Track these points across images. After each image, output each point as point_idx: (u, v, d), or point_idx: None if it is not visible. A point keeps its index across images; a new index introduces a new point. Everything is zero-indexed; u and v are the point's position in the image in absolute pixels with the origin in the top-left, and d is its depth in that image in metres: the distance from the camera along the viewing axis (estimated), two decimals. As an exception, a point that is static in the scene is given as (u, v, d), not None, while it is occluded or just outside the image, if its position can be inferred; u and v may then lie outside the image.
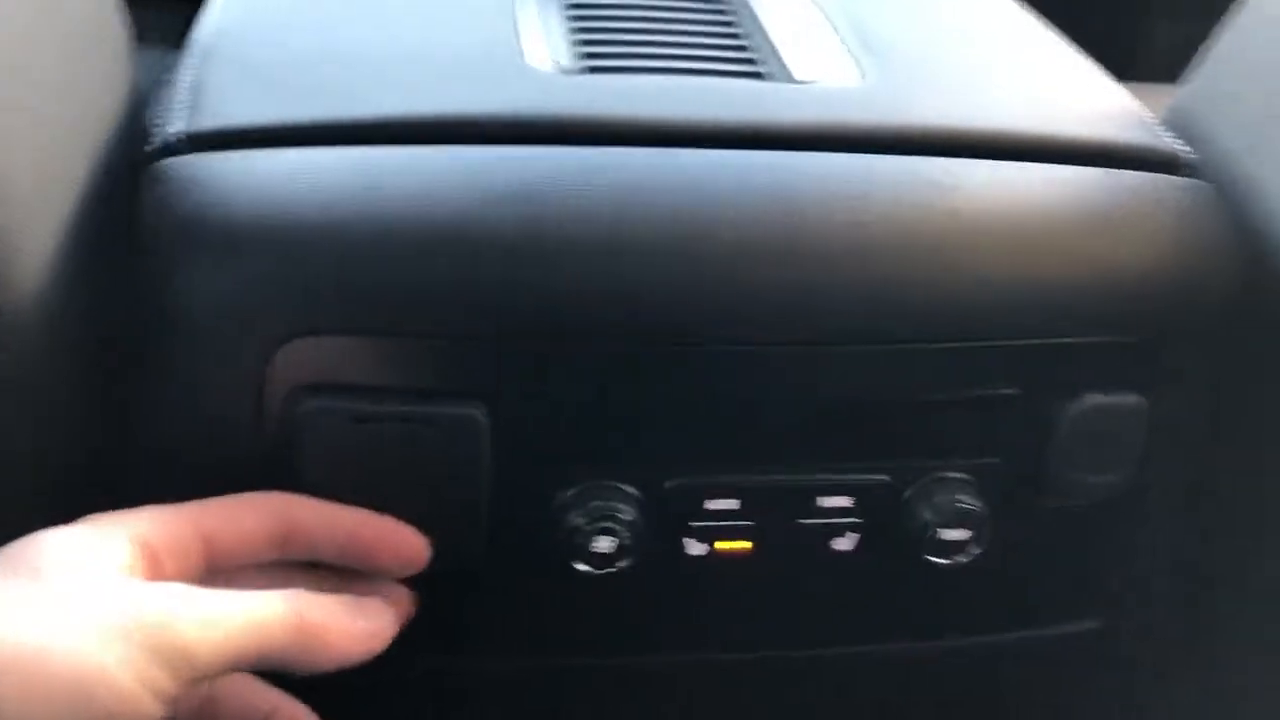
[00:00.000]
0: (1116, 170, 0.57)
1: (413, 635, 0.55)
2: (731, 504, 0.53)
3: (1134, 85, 0.66)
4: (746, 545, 0.54)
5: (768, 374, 0.51)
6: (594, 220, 0.49)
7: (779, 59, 0.62)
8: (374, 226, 0.49)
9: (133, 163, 0.52)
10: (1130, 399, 0.55)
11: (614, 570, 0.52)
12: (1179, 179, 0.58)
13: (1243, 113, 0.60)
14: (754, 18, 0.66)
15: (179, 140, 0.51)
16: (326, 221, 0.49)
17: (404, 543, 0.48)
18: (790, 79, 0.60)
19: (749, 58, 0.62)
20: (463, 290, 0.48)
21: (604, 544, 0.51)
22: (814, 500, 0.54)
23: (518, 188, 0.50)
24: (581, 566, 0.52)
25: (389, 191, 0.49)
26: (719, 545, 0.54)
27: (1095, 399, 0.54)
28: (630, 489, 0.52)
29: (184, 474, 0.50)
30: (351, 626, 0.44)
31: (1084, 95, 0.64)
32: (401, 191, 0.49)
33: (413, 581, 0.53)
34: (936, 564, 0.54)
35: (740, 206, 0.51)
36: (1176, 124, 0.63)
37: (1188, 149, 0.59)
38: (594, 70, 0.59)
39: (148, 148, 0.52)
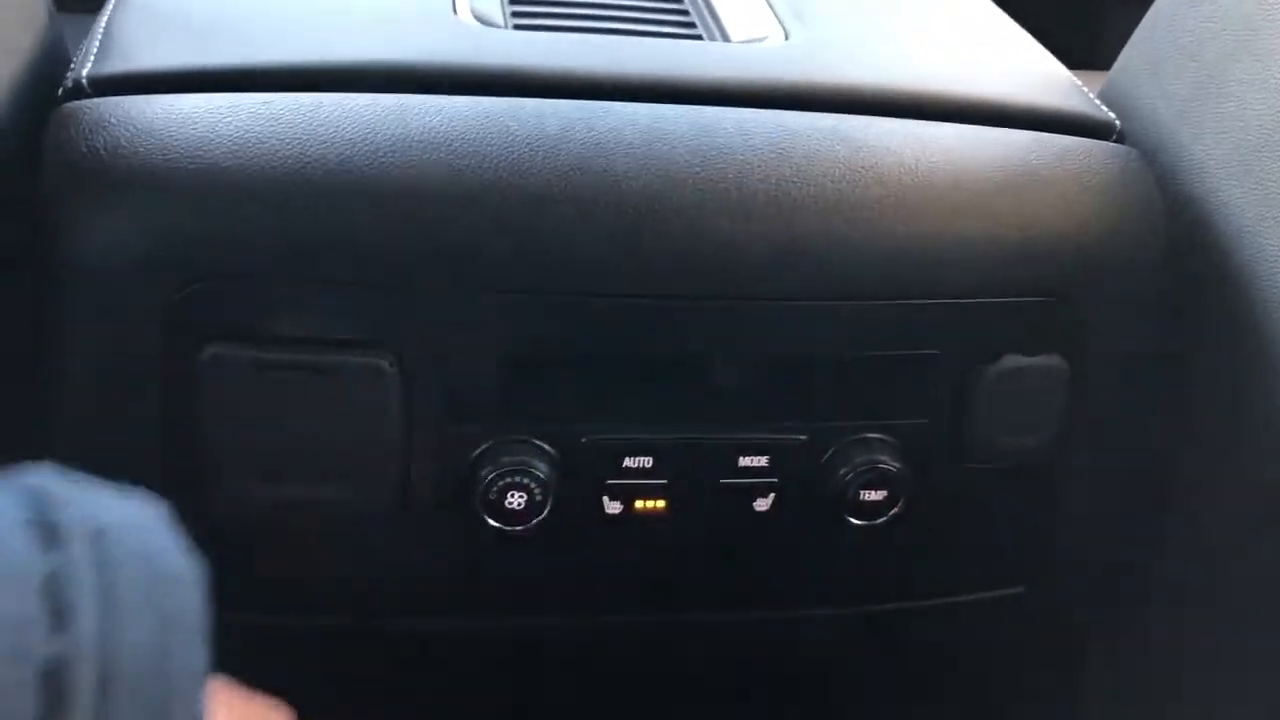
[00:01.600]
0: (1041, 133, 0.57)
1: (327, 596, 0.54)
2: (648, 462, 0.52)
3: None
4: (663, 504, 0.53)
5: (684, 330, 0.51)
6: (507, 169, 0.49)
7: (712, 19, 0.62)
8: (278, 171, 0.47)
9: (43, 109, 0.51)
10: (1051, 360, 0.54)
11: (529, 527, 0.51)
12: (1104, 143, 0.58)
13: (1172, 83, 0.60)
14: None
15: (84, 84, 0.50)
16: (230, 166, 0.47)
17: None
18: (721, 38, 0.60)
19: (681, 19, 0.62)
20: (370, 237, 0.47)
21: (517, 500, 0.51)
22: (733, 460, 0.53)
23: (430, 135, 0.49)
24: (495, 523, 0.51)
25: (294, 136, 0.48)
26: (636, 504, 0.53)
27: (1016, 360, 0.54)
28: (545, 445, 0.51)
29: (87, 422, 0.49)
30: None
31: (1013, 61, 0.64)
32: (308, 136, 0.48)
33: (327, 541, 0.52)
34: (857, 526, 0.54)
35: (656, 159, 0.50)
36: (1111, 95, 0.63)
37: (1114, 116, 0.59)
38: (522, 27, 0.59)
39: (58, 93, 0.51)
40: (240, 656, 0.55)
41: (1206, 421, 0.57)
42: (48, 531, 0.30)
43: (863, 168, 0.52)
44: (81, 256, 0.47)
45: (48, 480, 0.32)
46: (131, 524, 0.32)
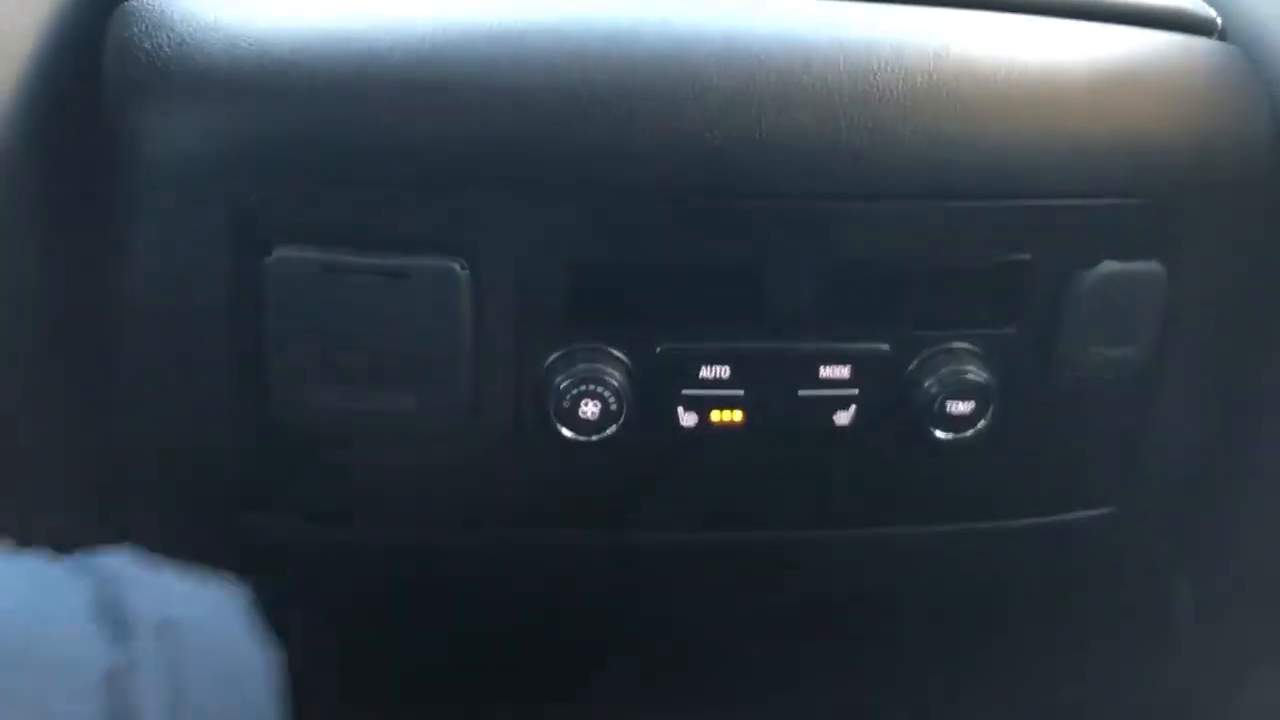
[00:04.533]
0: (1139, 29, 0.53)
1: (394, 509, 0.54)
2: (725, 372, 0.51)
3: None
4: (740, 417, 0.51)
5: (765, 232, 0.49)
6: (582, 65, 0.47)
7: None
8: (349, 72, 0.46)
9: (102, 6, 0.49)
10: (1149, 266, 0.52)
11: (602, 438, 0.50)
12: (1205, 40, 0.54)
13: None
14: None
15: None
16: (300, 66, 0.46)
17: None
18: None
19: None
20: (440, 135, 0.46)
21: (591, 409, 0.49)
22: (813, 370, 0.51)
23: (503, 30, 0.47)
24: (568, 433, 0.50)
25: (365, 36, 0.47)
26: (713, 416, 0.51)
27: (1112, 266, 0.51)
28: (619, 354, 0.50)
29: (155, 323, 0.48)
30: None
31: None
32: (378, 37, 0.47)
33: (395, 452, 0.51)
34: (942, 440, 0.52)
35: (737, 54, 0.48)
36: None
37: (1215, 12, 0.56)
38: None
39: None
40: (303, 567, 0.55)
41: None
42: (116, 620, 0.27)
43: (954, 62, 0.49)
44: (147, 159, 0.46)
45: (121, 561, 0.29)
46: (205, 614, 0.30)
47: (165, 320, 0.48)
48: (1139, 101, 0.51)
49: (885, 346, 0.51)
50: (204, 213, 0.46)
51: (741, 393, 0.51)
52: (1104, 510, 0.58)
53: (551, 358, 0.49)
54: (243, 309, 0.47)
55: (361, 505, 0.53)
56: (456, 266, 0.47)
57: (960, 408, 0.51)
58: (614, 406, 0.49)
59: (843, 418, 0.52)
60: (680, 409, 0.51)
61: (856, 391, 0.52)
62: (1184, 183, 0.51)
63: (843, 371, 0.51)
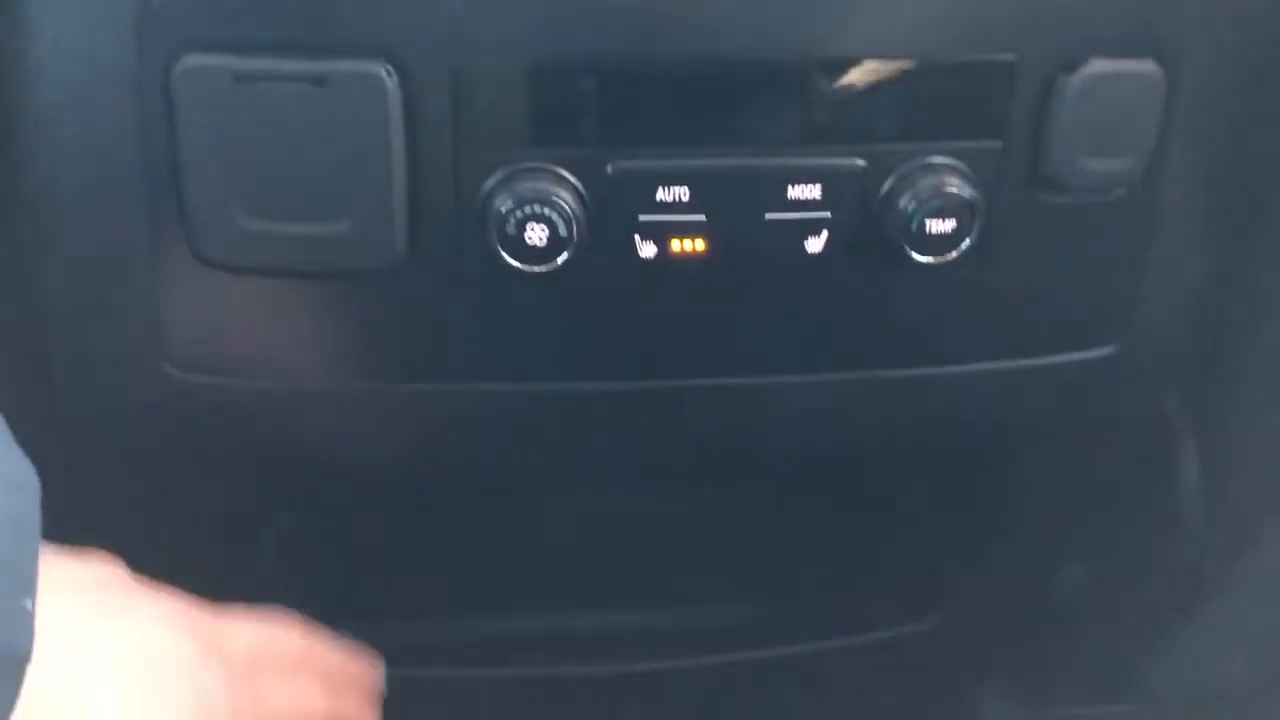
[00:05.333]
0: None
1: (327, 357, 0.50)
2: (684, 194, 0.47)
3: None
4: (703, 245, 0.47)
5: (722, 27, 0.44)
6: None
7: None
8: None
9: None
10: (1144, 66, 0.47)
11: (551, 269, 0.46)
12: None
13: None
14: None
15: None
16: None
17: None
18: None
19: None
20: None
21: (538, 234, 0.45)
22: (780, 190, 0.47)
23: None
24: (513, 261, 0.46)
25: None
26: (673, 245, 0.47)
27: (1103, 65, 0.47)
28: (568, 174, 0.46)
29: (61, 145, 0.44)
30: None
31: None
32: None
33: (327, 290, 0.48)
34: (922, 264, 0.48)
35: None
36: None
37: None
38: None
39: None
40: (232, 422, 0.51)
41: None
42: None
43: None
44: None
45: None
46: None
47: (70, 140, 0.44)
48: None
49: (859, 162, 0.47)
50: (105, 20, 0.42)
51: (703, 217, 0.47)
52: (1103, 351, 0.54)
53: (494, 178, 0.45)
54: (152, 128, 0.43)
55: (294, 356, 0.49)
56: (383, 71, 0.43)
57: (941, 227, 0.47)
58: (563, 232, 0.45)
59: (814, 244, 0.48)
60: (637, 236, 0.47)
61: (829, 214, 0.48)
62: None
63: (813, 191, 0.47)
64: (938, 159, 0.47)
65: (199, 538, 0.59)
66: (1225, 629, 0.67)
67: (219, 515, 0.58)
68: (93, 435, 0.54)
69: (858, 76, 0.46)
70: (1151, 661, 0.72)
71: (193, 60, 0.42)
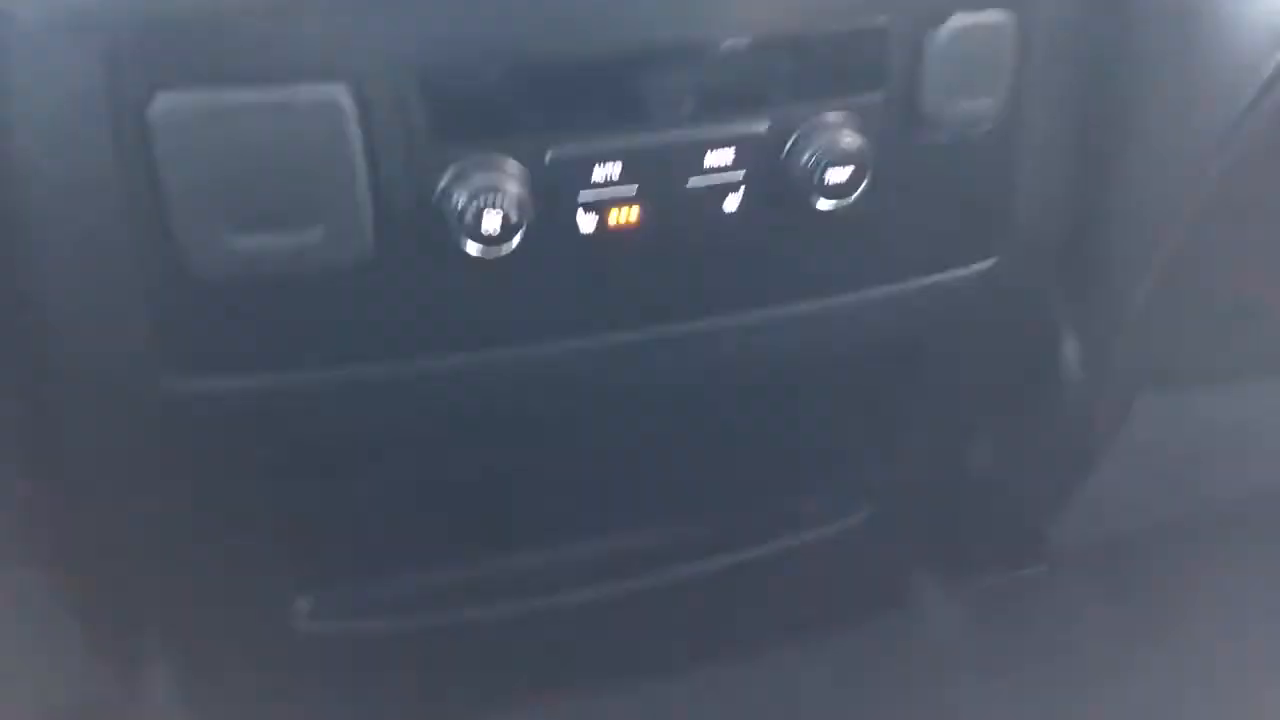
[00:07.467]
0: None
1: (312, 350, 0.55)
2: (616, 171, 0.53)
3: None
4: (636, 215, 0.54)
5: (637, 24, 0.50)
6: None
7: None
8: None
9: None
10: (998, 15, 0.55)
11: (509, 249, 0.52)
12: None
13: None
14: None
15: None
16: None
17: None
18: None
19: None
20: None
21: (492, 221, 0.51)
22: (698, 158, 0.53)
23: None
24: (473, 248, 0.51)
25: None
26: (611, 218, 0.54)
27: (964, 19, 0.54)
28: (513, 163, 0.51)
29: (44, 186, 0.48)
30: None
31: None
32: None
33: (307, 293, 0.53)
34: (826, 211, 0.55)
35: None
36: None
37: None
38: None
39: None
40: (222, 423, 0.56)
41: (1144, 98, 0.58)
42: None
43: None
44: (11, 12, 0.45)
45: None
46: None
47: (53, 181, 0.48)
48: None
49: (763, 126, 0.54)
50: (77, 65, 0.46)
51: (634, 190, 0.53)
52: (987, 263, 0.62)
53: (447, 175, 0.51)
54: (132, 163, 0.47)
55: (282, 348, 0.54)
56: (340, 91, 0.48)
57: (839, 175, 0.54)
58: (515, 218, 0.51)
59: (732, 202, 0.55)
60: (579, 213, 0.53)
61: (742, 174, 0.54)
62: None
63: (727, 156, 0.54)
64: (830, 116, 0.54)
65: (195, 531, 0.64)
66: (1111, 493, 0.77)
67: (215, 511, 0.63)
68: (94, 451, 0.58)
69: (755, 51, 0.53)
70: (1052, 528, 0.82)
71: (165, 99, 0.46)
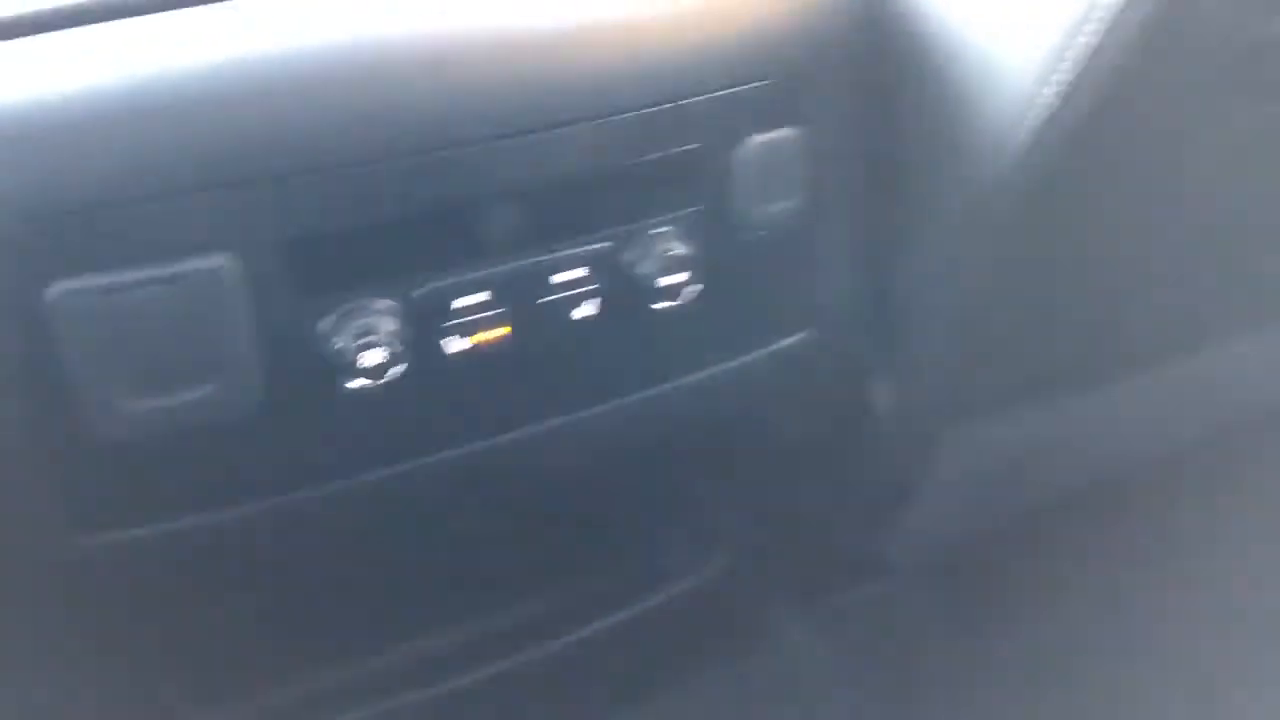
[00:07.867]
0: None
1: (218, 490, 0.59)
2: (480, 297, 0.59)
3: None
4: (502, 333, 0.60)
5: (489, 169, 0.57)
6: (283, 68, 0.53)
7: None
8: (100, 99, 0.50)
9: None
10: (786, 133, 0.64)
11: (388, 381, 0.57)
12: None
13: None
14: None
15: None
16: (34, 106, 0.49)
17: None
18: None
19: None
20: (182, 145, 0.51)
21: (373, 358, 0.56)
22: (551, 277, 0.61)
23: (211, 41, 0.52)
24: (357, 384, 0.57)
25: (95, 70, 0.50)
26: (479, 337, 0.60)
27: (760, 137, 0.63)
28: (385, 303, 0.57)
29: None
30: None
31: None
32: (104, 68, 0.51)
33: (208, 441, 0.56)
34: (665, 310, 0.63)
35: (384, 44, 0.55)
36: None
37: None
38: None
39: None
40: (140, 568, 0.59)
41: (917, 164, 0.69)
42: None
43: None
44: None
45: None
46: None
47: None
48: (756, 7, 0.63)
49: (608, 244, 0.61)
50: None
51: (499, 312, 0.60)
52: (803, 334, 0.71)
53: (328, 320, 0.56)
54: (32, 343, 0.51)
55: (185, 495, 0.58)
56: (224, 261, 0.53)
57: (672, 280, 0.62)
58: (395, 350, 0.57)
59: (587, 309, 0.62)
60: (450, 339, 0.59)
61: (590, 288, 0.62)
62: (801, 62, 0.64)
63: (580, 271, 0.61)
64: (661, 229, 0.62)
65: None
66: (936, 511, 0.87)
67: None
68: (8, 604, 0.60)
69: (590, 185, 0.60)
70: (888, 548, 0.92)
71: (61, 285, 0.50)
